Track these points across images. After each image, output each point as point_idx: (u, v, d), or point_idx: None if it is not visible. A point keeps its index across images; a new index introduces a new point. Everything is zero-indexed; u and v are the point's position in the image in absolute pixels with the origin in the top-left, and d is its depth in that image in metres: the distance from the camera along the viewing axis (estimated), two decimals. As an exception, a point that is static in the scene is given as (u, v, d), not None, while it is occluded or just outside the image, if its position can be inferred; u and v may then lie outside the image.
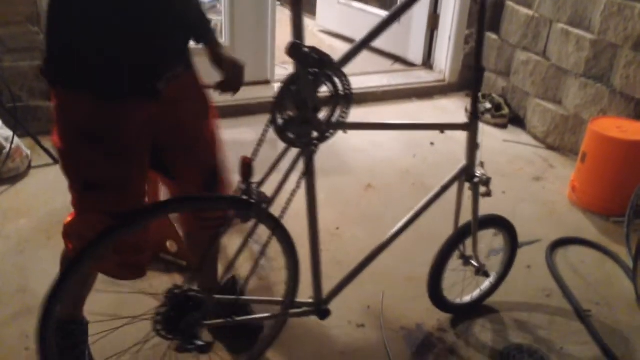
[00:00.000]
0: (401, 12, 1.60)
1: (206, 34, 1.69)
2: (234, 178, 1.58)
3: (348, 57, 1.51)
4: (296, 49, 1.35)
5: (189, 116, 1.65)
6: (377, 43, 4.92)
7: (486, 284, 2.26)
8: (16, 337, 1.98)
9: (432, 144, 3.51)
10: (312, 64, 1.36)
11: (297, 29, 1.41)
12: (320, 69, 1.38)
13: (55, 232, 2.50)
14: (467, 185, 1.97)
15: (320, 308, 1.83)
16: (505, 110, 3.84)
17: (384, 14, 4.34)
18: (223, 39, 3.78)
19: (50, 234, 2.48)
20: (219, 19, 3.85)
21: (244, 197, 1.51)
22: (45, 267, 2.28)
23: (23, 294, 2.15)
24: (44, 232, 2.51)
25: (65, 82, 1.45)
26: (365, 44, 1.55)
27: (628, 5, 3.02)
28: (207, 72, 1.71)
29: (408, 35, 4.49)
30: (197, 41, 1.67)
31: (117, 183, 1.53)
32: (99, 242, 1.40)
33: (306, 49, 1.36)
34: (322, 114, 1.48)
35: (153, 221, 1.53)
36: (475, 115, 1.86)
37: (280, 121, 1.41)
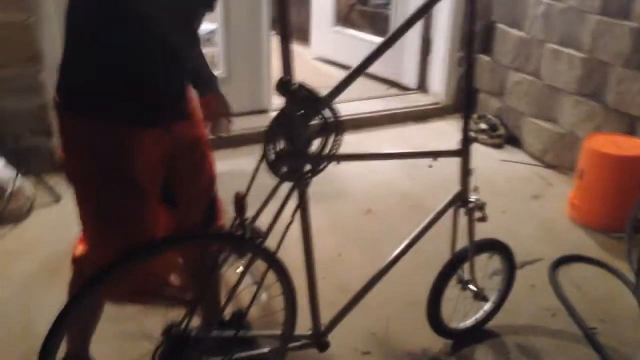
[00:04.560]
0: (389, 45, 1.61)
1: (214, 86, 1.81)
2: (230, 212, 1.61)
3: (337, 91, 1.53)
4: (285, 86, 1.38)
5: (193, 148, 1.70)
6: (371, 69, 4.98)
7: (487, 307, 2.25)
8: (23, 379, 1.98)
9: (430, 166, 3.53)
10: (301, 101, 1.39)
11: (286, 65, 1.44)
12: (310, 107, 1.41)
13: (60, 272, 2.50)
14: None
15: (320, 340, 1.84)
16: (502, 131, 3.87)
17: (377, 40, 4.41)
18: (219, 70, 3.83)
19: (54, 274, 2.49)
20: (215, 50, 3.90)
21: (239, 233, 1.53)
22: (50, 309, 2.27)
23: (29, 337, 2.14)
24: (49, 272, 2.52)
25: (84, 110, 1.48)
26: (354, 77, 1.57)
27: (617, 23, 3.07)
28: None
29: (402, 60, 4.55)
30: (203, 93, 1.75)
31: (136, 215, 1.57)
32: (108, 273, 1.43)
33: (295, 86, 1.38)
34: (314, 146, 1.50)
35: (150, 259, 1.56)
36: (466, 142, 1.87)
37: (272, 157, 1.43)
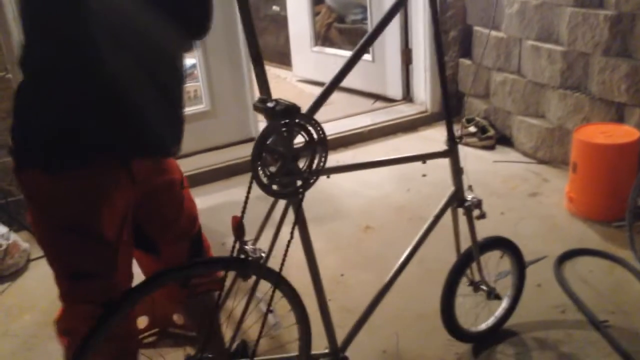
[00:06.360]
0: (360, 55, 1.67)
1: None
2: (228, 239, 1.60)
3: (317, 104, 1.56)
4: (262, 103, 1.40)
5: (166, 193, 1.66)
6: (355, 84, 4.99)
7: (501, 307, 2.24)
8: None
9: (423, 175, 3.51)
10: (280, 115, 1.40)
11: (262, 84, 1.47)
12: (290, 118, 1.41)
13: (61, 323, 2.48)
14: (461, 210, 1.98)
15: (338, 357, 1.82)
16: (491, 132, 3.86)
17: (357, 56, 4.42)
18: (203, 104, 3.83)
19: (54, 325, 2.46)
20: (197, 85, 3.91)
21: (241, 256, 1.52)
22: (55, 361, 2.25)
23: (35, 392, 2.12)
24: (50, 325, 2.45)
25: (43, 162, 1.43)
26: (330, 89, 1.60)
27: (591, 13, 3.09)
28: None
29: (384, 72, 4.56)
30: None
31: (106, 269, 1.52)
32: (98, 330, 1.39)
33: (272, 102, 1.40)
34: (303, 162, 1.51)
35: (154, 293, 1.53)
36: (452, 141, 1.88)
37: (262, 176, 1.43)
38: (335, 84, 1.61)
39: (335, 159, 3.77)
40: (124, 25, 1.36)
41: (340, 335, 1.86)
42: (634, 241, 2.60)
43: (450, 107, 1.91)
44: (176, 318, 2.35)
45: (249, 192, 1.46)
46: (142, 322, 2.32)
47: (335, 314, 2.38)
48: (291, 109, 1.41)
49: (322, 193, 3.31)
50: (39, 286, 2.76)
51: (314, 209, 3.42)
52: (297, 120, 1.44)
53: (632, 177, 2.72)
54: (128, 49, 1.38)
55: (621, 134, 2.91)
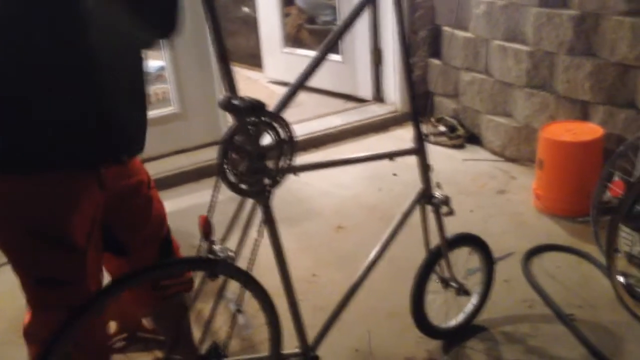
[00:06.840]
0: (326, 53, 1.67)
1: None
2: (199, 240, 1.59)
3: (283, 103, 1.56)
4: (228, 101, 1.40)
5: (134, 195, 1.65)
6: (326, 85, 4.97)
7: (470, 303, 2.26)
8: None
9: (394, 175, 3.54)
10: (246, 112, 1.40)
11: (229, 82, 1.45)
12: (256, 116, 1.41)
13: (28, 328, 2.43)
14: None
15: (309, 356, 1.82)
16: (460, 131, 3.91)
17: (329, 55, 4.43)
18: (172, 106, 3.80)
19: (22, 333, 2.42)
20: (166, 87, 3.87)
21: (209, 256, 1.51)
22: (21, 367, 2.21)
23: (1, 399, 2.08)
24: (16, 331, 2.40)
25: (10, 168, 1.41)
26: (297, 87, 1.60)
27: (555, 13, 3.14)
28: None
29: (355, 73, 4.58)
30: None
31: (76, 275, 1.50)
32: (63, 335, 1.37)
33: (238, 99, 1.40)
34: (270, 161, 1.51)
35: (119, 296, 1.52)
36: (419, 139, 1.89)
37: (229, 174, 1.42)
38: (301, 83, 1.62)
39: (306, 159, 3.76)
40: (97, 26, 1.34)
41: (313, 335, 1.86)
42: (599, 236, 2.65)
43: (417, 105, 1.92)
44: (145, 322, 2.33)
45: (216, 191, 1.46)
46: (111, 327, 2.29)
47: (308, 313, 2.38)
48: (257, 106, 1.42)
49: (294, 193, 3.32)
50: (4, 292, 2.71)
51: (286, 210, 3.43)
52: (263, 118, 1.44)
53: (597, 174, 2.77)
54: (100, 49, 1.37)
55: (586, 131, 2.97)
